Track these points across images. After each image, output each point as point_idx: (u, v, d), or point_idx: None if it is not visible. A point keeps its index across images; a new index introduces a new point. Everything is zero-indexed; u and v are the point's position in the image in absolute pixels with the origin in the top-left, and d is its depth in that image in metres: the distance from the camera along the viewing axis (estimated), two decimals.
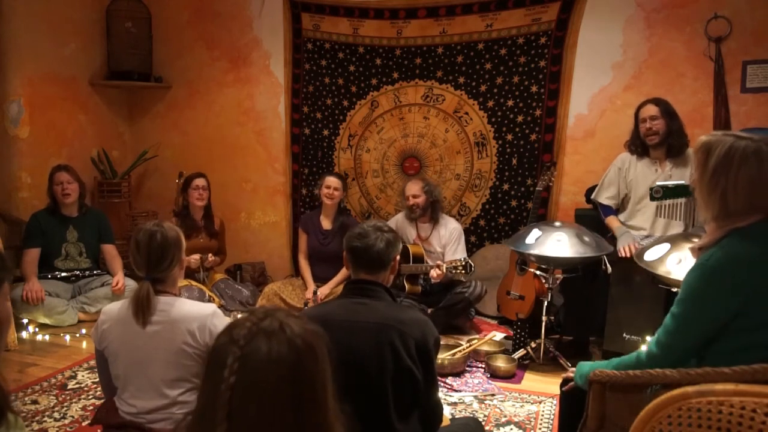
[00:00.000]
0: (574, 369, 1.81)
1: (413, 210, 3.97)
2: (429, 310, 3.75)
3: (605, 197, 3.50)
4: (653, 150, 3.34)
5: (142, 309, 1.78)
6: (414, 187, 3.98)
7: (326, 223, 4.21)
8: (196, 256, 4.07)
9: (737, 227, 1.49)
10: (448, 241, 3.96)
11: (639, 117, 3.36)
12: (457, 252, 3.93)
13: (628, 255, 3.12)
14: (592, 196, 3.57)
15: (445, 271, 3.57)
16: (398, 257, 1.86)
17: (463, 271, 3.53)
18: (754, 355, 1.39)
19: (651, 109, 3.30)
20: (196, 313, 1.81)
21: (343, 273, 4.09)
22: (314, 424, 0.90)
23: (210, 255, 4.18)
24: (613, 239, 3.30)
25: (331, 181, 4.13)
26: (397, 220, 4.16)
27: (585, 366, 1.76)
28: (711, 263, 1.45)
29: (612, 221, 3.42)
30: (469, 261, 3.55)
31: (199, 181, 4.23)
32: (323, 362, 0.93)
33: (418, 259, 3.89)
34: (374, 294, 1.76)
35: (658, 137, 3.28)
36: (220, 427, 0.85)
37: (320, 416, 0.90)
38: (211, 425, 0.86)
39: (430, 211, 3.99)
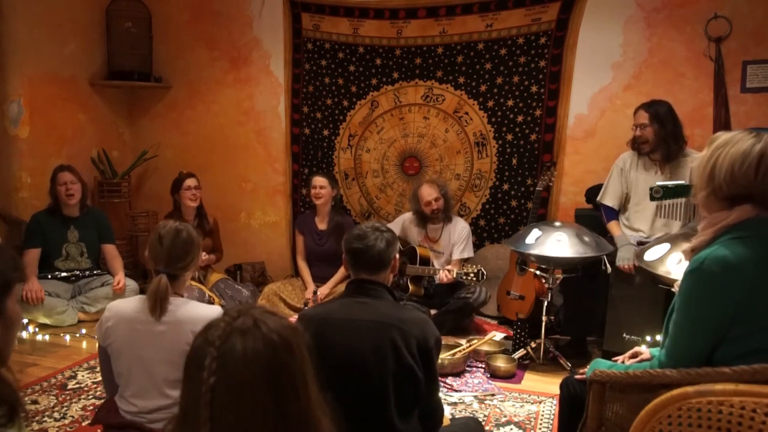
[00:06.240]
0: (584, 369, 1.80)
1: (434, 214, 3.90)
2: (432, 312, 3.74)
3: (609, 199, 3.47)
4: (651, 153, 3.33)
5: (159, 301, 1.78)
6: (432, 191, 3.88)
7: (320, 224, 4.21)
8: None
9: (728, 225, 1.49)
10: (456, 240, 3.95)
11: (634, 120, 3.35)
12: (465, 251, 3.92)
13: (626, 270, 3.16)
14: (597, 199, 3.55)
15: (455, 276, 3.56)
16: (398, 256, 1.87)
17: (474, 279, 3.50)
18: (758, 360, 1.38)
19: (640, 116, 3.27)
20: (203, 315, 1.81)
21: (341, 272, 4.09)
22: (297, 417, 0.90)
23: (204, 254, 4.18)
24: (612, 240, 3.30)
25: (317, 180, 4.13)
26: (404, 221, 4.12)
27: (602, 363, 1.77)
28: (704, 267, 1.46)
29: (613, 227, 3.39)
30: (482, 269, 3.50)
31: (191, 182, 4.17)
32: (300, 355, 0.93)
33: (425, 261, 3.88)
34: (375, 293, 1.76)
35: (648, 146, 3.26)
36: (204, 429, 0.86)
37: (302, 408, 0.91)
38: (194, 427, 0.87)
39: (443, 211, 3.95)
